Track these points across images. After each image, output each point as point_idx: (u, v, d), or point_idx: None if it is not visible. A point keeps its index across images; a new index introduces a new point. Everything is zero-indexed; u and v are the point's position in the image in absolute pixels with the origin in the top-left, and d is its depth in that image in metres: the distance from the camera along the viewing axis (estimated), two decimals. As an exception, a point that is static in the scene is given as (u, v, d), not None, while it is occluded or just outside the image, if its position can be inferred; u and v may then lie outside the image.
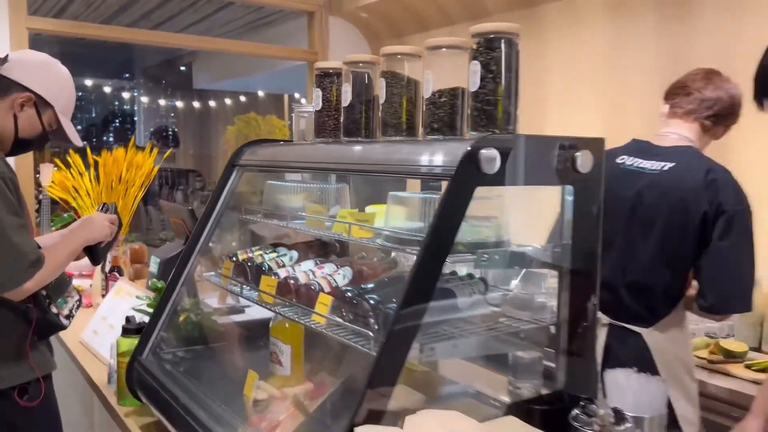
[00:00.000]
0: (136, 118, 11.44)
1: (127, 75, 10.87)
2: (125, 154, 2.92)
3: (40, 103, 1.71)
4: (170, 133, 11.33)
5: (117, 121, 10.89)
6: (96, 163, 3.01)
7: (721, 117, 1.86)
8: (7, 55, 1.70)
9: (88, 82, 10.44)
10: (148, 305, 1.84)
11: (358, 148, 1.50)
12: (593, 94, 3.19)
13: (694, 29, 2.76)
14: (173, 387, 1.55)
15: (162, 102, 12.44)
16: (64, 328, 1.77)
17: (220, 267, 1.75)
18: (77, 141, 1.79)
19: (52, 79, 1.72)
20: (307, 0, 4.33)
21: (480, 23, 1.26)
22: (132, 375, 1.68)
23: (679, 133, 1.89)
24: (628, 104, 3.02)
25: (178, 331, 1.76)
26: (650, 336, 1.85)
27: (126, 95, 12.73)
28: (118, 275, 2.58)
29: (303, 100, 6.19)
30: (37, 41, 3.73)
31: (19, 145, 1.76)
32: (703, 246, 1.78)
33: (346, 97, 1.57)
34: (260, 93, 9.54)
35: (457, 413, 1.01)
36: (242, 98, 10.21)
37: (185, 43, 5.21)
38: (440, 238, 1.05)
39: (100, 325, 2.30)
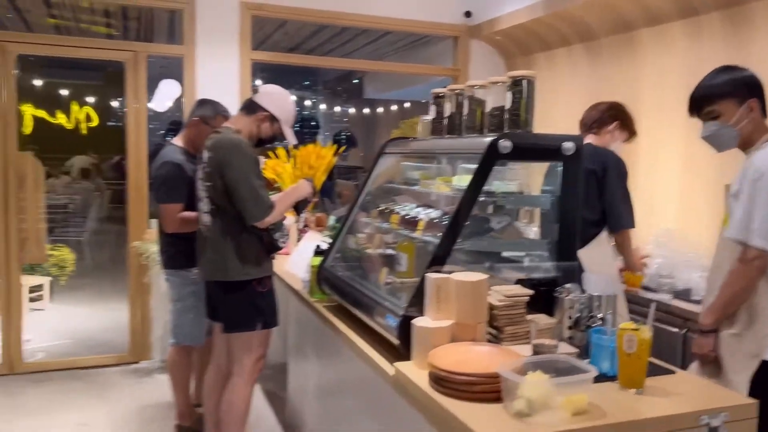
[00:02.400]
0: (321, 122, 13.30)
1: (312, 87, 12.78)
2: (314, 148, 4.18)
3: (273, 119, 2.91)
4: (344, 137, 12.87)
5: (305, 126, 12.74)
6: (293, 155, 4.30)
7: (597, 123, 3.18)
8: (257, 87, 2.94)
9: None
10: (330, 236, 2.99)
11: (452, 141, 2.51)
12: (677, 111, 3.80)
13: (753, 50, 3.36)
14: (344, 280, 2.66)
15: (337, 109, 14.20)
16: (280, 248, 2.96)
17: (371, 216, 2.85)
18: (294, 141, 3.00)
19: (281, 103, 2.91)
20: (453, 28, 5.38)
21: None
22: (319, 277, 2.83)
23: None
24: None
25: (344, 253, 2.88)
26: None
27: (308, 103, 14.71)
28: (308, 229, 3.82)
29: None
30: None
31: (258, 143, 2.99)
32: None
33: (448, 110, 2.59)
34: (422, 101, 10.73)
35: (479, 273, 1.97)
36: (406, 104, 11.48)
37: (356, 66, 7.06)
38: (474, 188, 2.02)
39: (297, 258, 3.53)
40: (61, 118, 6.84)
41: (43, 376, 4.45)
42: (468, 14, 5.30)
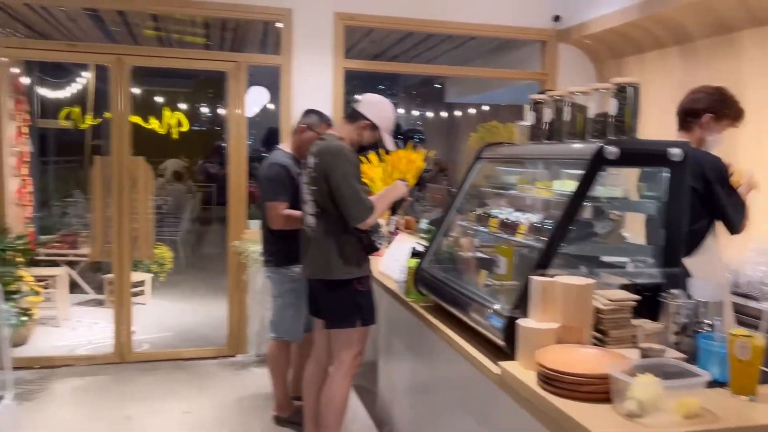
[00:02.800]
0: (403, 127, 13.48)
1: (389, 91, 12.99)
2: (404, 153, 4.30)
3: (374, 127, 3.04)
4: (417, 138, 12.96)
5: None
6: (384, 159, 4.43)
7: (690, 115, 2.90)
8: (359, 97, 3.08)
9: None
10: (426, 239, 3.09)
11: (553, 146, 2.55)
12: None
13: None
14: (442, 281, 2.74)
15: (415, 113, 14.34)
16: (378, 250, 3.08)
17: (467, 219, 2.93)
18: (392, 147, 3.12)
19: (381, 112, 3.04)
20: (541, 32, 5.37)
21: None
22: (416, 278, 2.93)
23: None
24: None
25: (440, 255, 2.97)
26: None
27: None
28: (398, 232, 3.94)
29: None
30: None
31: (359, 150, 3.13)
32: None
33: (548, 116, 2.63)
34: (502, 104, 10.68)
35: (582, 278, 2.01)
36: (485, 107, 11.47)
37: (444, 72, 7.18)
38: (579, 193, 2.07)
39: (390, 259, 3.64)
40: (153, 124, 7.29)
41: (150, 366, 4.77)
42: (557, 18, 5.28)
